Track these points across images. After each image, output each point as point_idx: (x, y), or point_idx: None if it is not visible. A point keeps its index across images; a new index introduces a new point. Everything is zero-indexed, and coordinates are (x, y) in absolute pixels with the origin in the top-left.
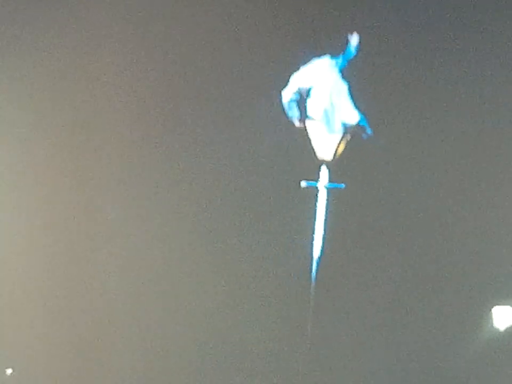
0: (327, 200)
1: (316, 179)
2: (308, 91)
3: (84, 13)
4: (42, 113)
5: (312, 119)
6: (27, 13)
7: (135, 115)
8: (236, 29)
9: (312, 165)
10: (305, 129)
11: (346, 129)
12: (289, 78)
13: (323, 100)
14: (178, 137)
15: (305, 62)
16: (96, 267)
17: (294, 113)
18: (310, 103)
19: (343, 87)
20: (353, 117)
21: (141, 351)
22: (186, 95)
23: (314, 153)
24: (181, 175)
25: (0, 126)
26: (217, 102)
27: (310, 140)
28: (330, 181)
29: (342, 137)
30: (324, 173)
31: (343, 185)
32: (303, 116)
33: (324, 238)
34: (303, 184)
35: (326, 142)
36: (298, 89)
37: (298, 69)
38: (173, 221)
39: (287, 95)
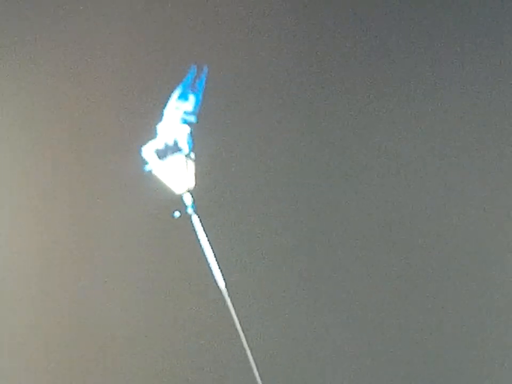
0: (201, 221)
1: (184, 206)
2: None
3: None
4: (42, 114)
5: (162, 158)
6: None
7: (136, 118)
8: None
9: (175, 196)
10: (159, 170)
11: (186, 153)
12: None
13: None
14: None
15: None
16: (95, 271)
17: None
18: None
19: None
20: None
21: (141, 352)
22: None
23: (173, 187)
24: None
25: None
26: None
27: (165, 178)
28: (194, 202)
29: (187, 162)
30: (188, 199)
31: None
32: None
33: (215, 254)
34: (177, 214)
35: (178, 175)
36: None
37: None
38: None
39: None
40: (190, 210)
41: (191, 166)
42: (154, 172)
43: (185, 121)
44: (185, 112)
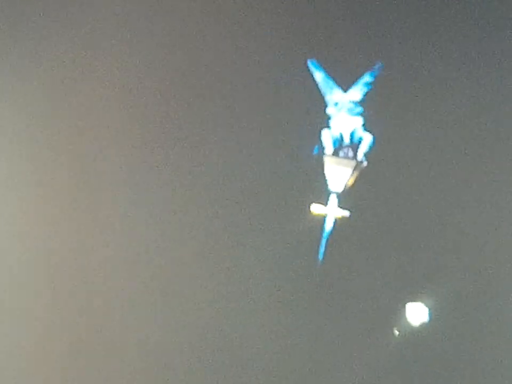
0: (334, 224)
1: (326, 205)
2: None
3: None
4: (44, 114)
5: (332, 153)
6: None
7: (136, 117)
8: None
9: (324, 193)
10: (324, 162)
11: (360, 160)
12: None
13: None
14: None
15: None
16: (96, 269)
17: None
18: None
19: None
20: (365, 143)
21: (140, 349)
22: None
23: (327, 183)
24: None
25: (2, 128)
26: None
27: (326, 172)
28: (339, 207)
29: (354, 169)
30: (333, 200)
31: (348, 212)
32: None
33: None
34: (314, 207)
35: (338, 175)
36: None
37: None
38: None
39: (327, 133)
40: (328, 211)
41: (356, 173)
42: (324, 159)
43: (355, 113)
44: (355, 105)
